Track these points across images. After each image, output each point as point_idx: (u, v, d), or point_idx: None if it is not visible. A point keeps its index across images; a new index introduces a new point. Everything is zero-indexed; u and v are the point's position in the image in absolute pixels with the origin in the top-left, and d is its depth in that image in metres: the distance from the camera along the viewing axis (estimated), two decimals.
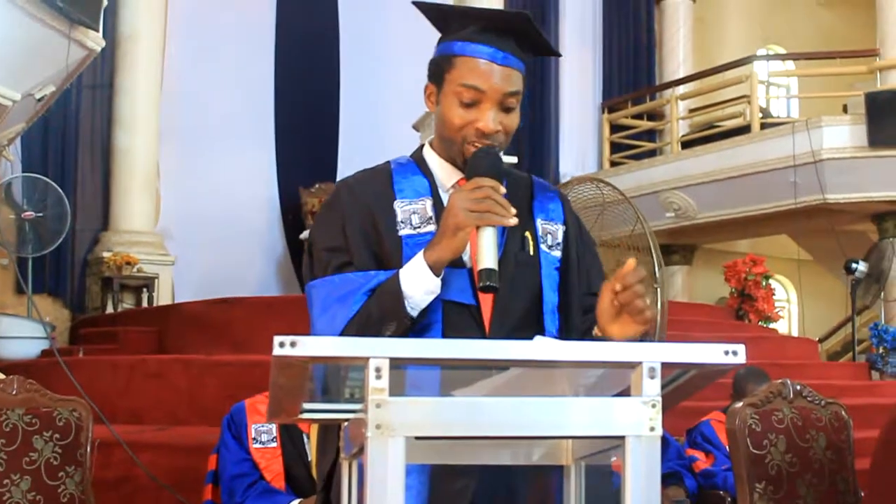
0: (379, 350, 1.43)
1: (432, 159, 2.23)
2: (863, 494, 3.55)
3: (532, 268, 2.17)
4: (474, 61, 2.11)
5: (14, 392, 3.37)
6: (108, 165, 11.23)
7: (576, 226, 2.30)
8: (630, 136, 14.68)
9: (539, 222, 2.23)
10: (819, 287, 15.62)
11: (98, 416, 3.97)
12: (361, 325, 1.99)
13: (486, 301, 2.09)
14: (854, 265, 10.77)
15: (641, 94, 14.90)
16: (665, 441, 4.55)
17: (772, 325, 11.97)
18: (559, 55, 2.37)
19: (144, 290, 10.77)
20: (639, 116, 14.82)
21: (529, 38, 2.19)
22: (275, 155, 12.69)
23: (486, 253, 1.97)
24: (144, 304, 10.66)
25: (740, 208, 12.41)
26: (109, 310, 10.51)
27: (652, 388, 1.50)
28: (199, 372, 6.84)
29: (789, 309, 17.73)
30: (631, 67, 15.09)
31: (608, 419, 1.50)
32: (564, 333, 2.18)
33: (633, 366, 1.51)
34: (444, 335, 2.05)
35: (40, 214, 9.60)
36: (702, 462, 5.16)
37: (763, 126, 12.24)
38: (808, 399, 3.62)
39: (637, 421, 1.49)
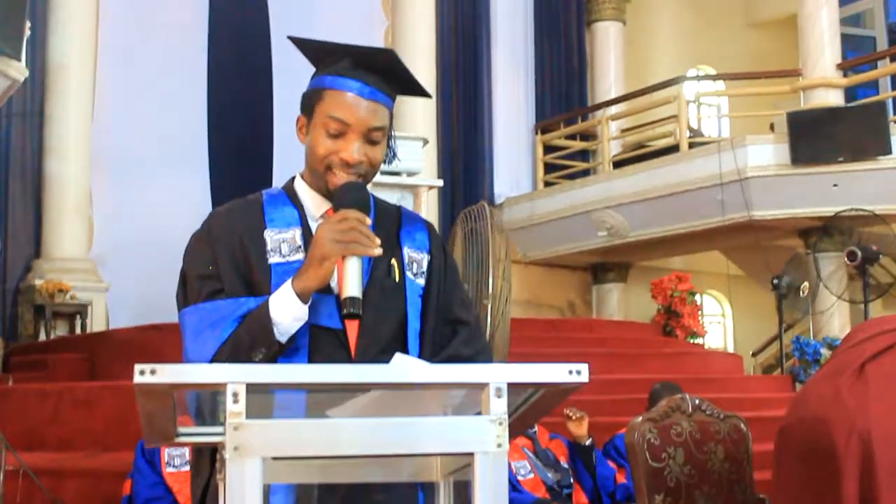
0: (235, 375, 1.51)
1: (303, 190, 2.31)
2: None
3: (397, 294, 2.25)
4: (342, 94, 2.20)
5: None
6: (39, 193, 11.20)
7: (440, 255, 2.38)
8: (563, 156, 14.88)
9: (406, 250, 2.31)
10: (751, 302, 15.88)
11: (9, 445, 3.98)
12: (232, 351, 2.06)
13: (353, 326, 2.17)
14: (778, 280, 11.00)
15: (574, 114, 15.11)
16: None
17: (700, 341, 12.18)
18: (428, 95, 2.46)
19: (78, 317, 10.72)
20: (571, 137, 15.02)
21: (396, 75, 2.27)
22: (209, 178, 12.68)
23: (350, 281, 2.06)
24: (78, 331, 10.61)
25: (671, 226, 12.59)
26: (42, 337, 10.45)
27: (499, 406, 1.59)
28: (129, 399, 6.78)
29: (724, 324, 17.99)
30: (563, 89, 15.29)
31: (458, 437, 1.59)
32: (424, 358, 2.25)
33: (482, 386, 1.61)
34: (311, 359, 2.12)
35: None
36: (619, 475, 5.27)
37: (691, 145, 12.47)
38: (707, 413, 3.75)
39: (485, 438, 1.58)
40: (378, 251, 2.09)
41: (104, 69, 11.77)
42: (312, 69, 2.30)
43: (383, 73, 2.24)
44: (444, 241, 2.47)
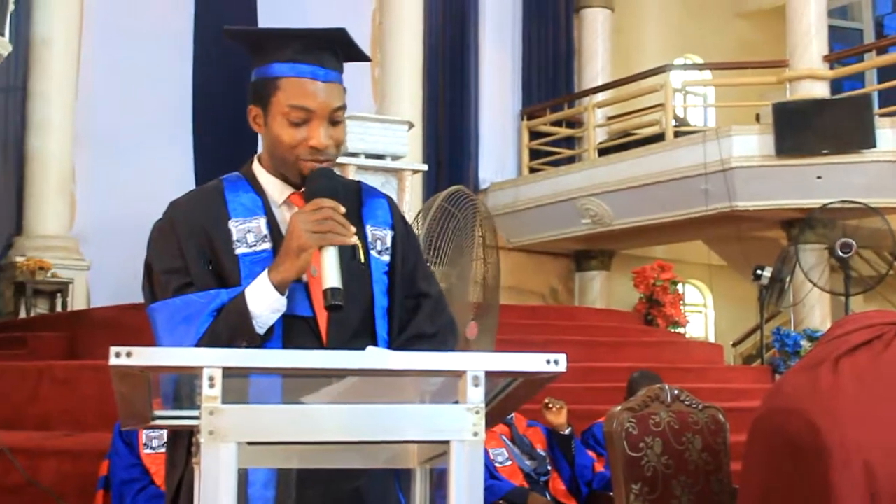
0: (212, 360, 1.51)
1: (263, 176, 2.28)
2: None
3: (364, 275, 2.25)
4: (299, 81, 2.16)
5: None
6: (21, 169, 11.14)
7: (403, 229, 2.38)
8: (549, 142, 14.88)
9: (368, 229, 2.31)
10: (733, 292, 15.95)
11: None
12: (210, 345, 2.03)
13: (323, 312, 2.15)
14: (760, 271, 11.03)
15: (560, 101, 15.10)
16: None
17: (681, 330, 12.22)
18: (369, 59, 2.43)
19: (59, 295, 10.68)
20: (557, 123, 15.02)
21: (345, 50, 2.24)
22: (192, 156, 12.63)
23: (329, 272, 2.05)
24: (59, 309, 10.58)
25: (654, 215, 12.61)
26: (23, 315, 10.41)
27: (476, 395, 1.59)
28: (109, 379, 6.76)
29: (706, 313, 18.06)
30: (550, 75, 15.28)
31: (435, 425, 1.59)
32: (392, 335, 2.26)
33: (459, 374, 1.61)
34: (284, 347, 2.12)
35: None
36: (597, 464, 5.29)
37: (677, 134, 12.48)
38: (686, 403, 3.76)
39: (461, 427, 1.58)
40: (355, 239, 2.09)
41: (88, 45, 11.69)
42: None
43: (332, 50, 2.21)
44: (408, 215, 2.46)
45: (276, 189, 2.26)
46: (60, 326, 9.09)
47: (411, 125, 9.27)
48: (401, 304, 2.29)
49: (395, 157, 8.76)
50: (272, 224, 2.22)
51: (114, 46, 11.91)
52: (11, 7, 7.65)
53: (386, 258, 2.31)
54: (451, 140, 14.15)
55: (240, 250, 2.18)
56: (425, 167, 9.76)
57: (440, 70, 14.08)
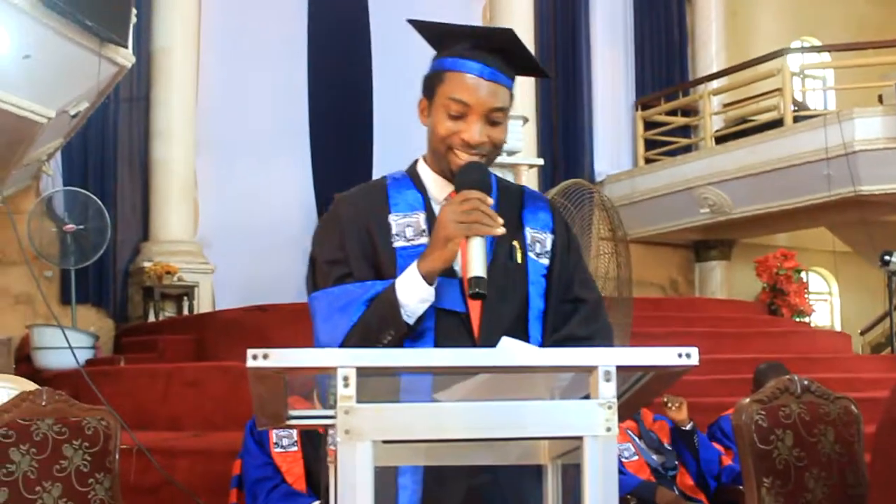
0: (346, 360, 1.53)
1: (426, 173, 2.34)
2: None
3: (520, 275, 2.26)
4: (462, 76, 2.21)
5: (44, 403, 3.50)
6: (146, 177, 11.46)
7: (564, 235, 2.38)
8: (664, 132, 14.69)
9: (528, 231, 2.32)
10: (860, 279, 15.54)
11: (125, 424, 4.09)
12: (362, 334, 2.10)
13: (476, 308, 2.18)
14: (888, 257, 10.69)
15: (674, 90, 14.91)
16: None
17: (807, 319, 11.93)
18: (548, 76, 2.46)
19: (185, 298, 10.95)
20: (672, 113, 14.82)
21: (515, 55, 2.27)
22: (311, 161, 12.78)
23: (475, 262, 2.06)
24: (185, 312, 10.84)
25: (775, 202, 12.38)
26: (151, 318, 10.70)
27: (608, 390, 1.59)
28: (236, 379, 6.97)
29: (831, 302, 17.62)
30: (663, 64, 15.10)
31: (567, 420, 1.59)
32: (545, 338, 2.27)
33: (590, 370, 1.60)
34: (437, 342, 2.15)
35: (81, 227, 9.81)
36: (725, 457, 5.21)
37: (796, 119, 12.21)
38: (817, 394, 3.67)
39: (593, 422, 1.58)
40: (501, 230, 2.09)
41: (207, 54, 11.95)
42: (411, 54, 2.30)
43: (502, 53, 2.25)
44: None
45: (437, 186, 2.31)
46: (188, 329, 9.33)
47: (526, 120, 9.24)
48: (556, 308, 2.30)
49: (510, 153, 8.73)
50: (431, 220, 2.25)
51: (230, 54, 12.16)
52: (133, 19, 7.85)
53: (545, 261, 2.32)
54: (565, 133, 14.09)
55: (398, 244, 2.23)
56: (541, 161, 9.73)
57: (552, 62, 14.00)
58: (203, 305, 11.04)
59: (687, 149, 14.30)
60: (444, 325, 2.18)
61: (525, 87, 12.62)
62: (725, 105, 14.52)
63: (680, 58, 15.20)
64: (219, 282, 11.59)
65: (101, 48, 7.37)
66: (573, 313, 2.31)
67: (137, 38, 9.97)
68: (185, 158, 11.46)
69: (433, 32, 2.31)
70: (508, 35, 2.26)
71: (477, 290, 2.04)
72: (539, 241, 2.33)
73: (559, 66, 14.13)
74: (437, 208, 2.27)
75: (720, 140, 13.53)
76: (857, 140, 11.13)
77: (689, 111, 14.81)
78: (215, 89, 12.05)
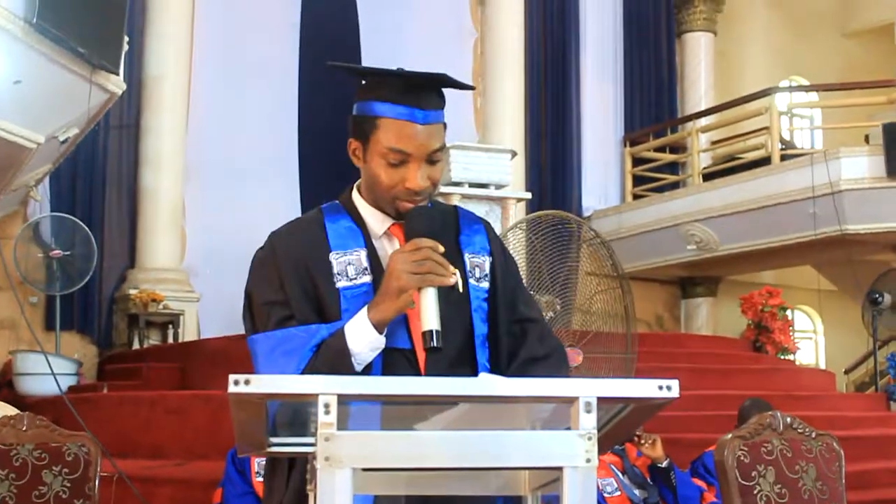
0: (328, 387, 1.54)
1: (363, 207, 2.30)
2: None
3: (463, 305, 2.25)
4: (398, 123, 2.15)
5: (24, 428, 3.49)
6: (134, 204, 11.43)
7: (501, 254, 2.38)
8: (652, 168, 14.75)
9: (467, 256, 2.31)
10: (844, 317, 15.55)
11: (106, 451, 4.07)
12: None
13: (421, 344, 2.13)
14: (878, 296, 10.74)
15: (663, 126, 14.97)
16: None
17: (791, 357, 11.96)
18: (472, 88, 2.42)
19: (170, 326, 10.91)
20: (661, 149, 14.88)
21: (446, 85, 2.23)
22: (299, 189, 12.79)
23: (428, 313, 2.05)
24: (170, 340, 10.80)
25: (761, 240, 12.41)
26: (136, 346, 10.65)
27: (588, 421, 1.60)
28: (219, 407, 6.95)
29: (816, 340, 17.65)
30: (652, 100, 15.18)
31: (547, 451, 1.60)
32: (495, 362, 2.26)
33: (571, 401, 1.61)
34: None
35: (68, 253, 9.79)
36: (708, 493, 5.21)
37: (783, 158, 12.27)
38: (799, 431, 3.68)
39: (573, 453, 1.58)
40: (455, 279, 2.08)
41: (198, 82, 11.96)
42: None
43: (435, 89, 2.21)
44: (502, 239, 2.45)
45: (375, 220, 2.28)
46: (172, 357, 9.30)
47: (514, 154, 9.28)
48: (507, 330, 2.29)
49: (498, 186, 8.78)
50: (372, 256, 2.23)
51: (221, 83, 12.17)
52: (125, 47, 7.87)
53: (485, 284, 2.31)
54: (553, 168, 14.13)
55: (340, 283, 2.19)
56: (529, 195, 9.74)
57: (542, 98, 14.09)
58: (189, 333, 10.99)
59: (675, 185, 14.35)
60: (390, 362, 2.16)
61: (514, 121, 12.70)
62: (713, 142, 14.60)
63: (669, 95, 15.29)
64: (204, 310, 11.54)
65: (93, 75, 7.38)
66: (524, 333, 2.31)
67: (129, 65, 9.99)
68: (174, 186, 11.43)
69: (360, 76, 2.29)
70: (443, 79, 2.21)
71: (433, 343, 2.03)
72: (478, 265, 2.31)
73: (549, 101, 14.20)
74: (377, 244, 2.26)
75: (708, 177, 13.58)
76: (843, 179, 11.18)
77: (677, 148, 14.87)
78: (205, 118, 12.05)
